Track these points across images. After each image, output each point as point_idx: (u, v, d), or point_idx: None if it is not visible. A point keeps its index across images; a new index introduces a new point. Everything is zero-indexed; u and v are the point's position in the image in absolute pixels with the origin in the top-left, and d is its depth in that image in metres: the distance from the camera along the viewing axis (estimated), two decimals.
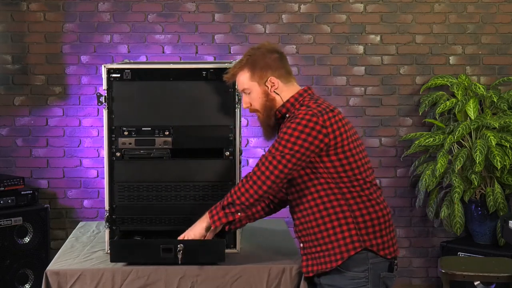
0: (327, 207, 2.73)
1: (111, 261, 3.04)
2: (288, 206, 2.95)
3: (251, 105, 2.84)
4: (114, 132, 3.20)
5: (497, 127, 4.60)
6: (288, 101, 2.80)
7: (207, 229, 2.87)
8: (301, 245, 2.87)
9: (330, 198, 2.73)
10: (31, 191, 4.60)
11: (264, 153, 2.79)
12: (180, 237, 2.92)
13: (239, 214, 2.79)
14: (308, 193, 2.76)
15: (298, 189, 2.79)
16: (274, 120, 2.82)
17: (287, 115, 2.79)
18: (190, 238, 2.90)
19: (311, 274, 2.83)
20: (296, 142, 2.66)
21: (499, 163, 4.46)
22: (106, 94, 3.17)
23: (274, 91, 2.80)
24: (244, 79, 2.82)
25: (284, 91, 2.82)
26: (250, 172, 2.75)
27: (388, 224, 2.79)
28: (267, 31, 5.00)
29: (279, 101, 2.81)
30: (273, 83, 2.80)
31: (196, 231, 2.90)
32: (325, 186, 2.73)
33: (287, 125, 2.71)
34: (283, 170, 2.68)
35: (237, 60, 2.93)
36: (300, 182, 2.77)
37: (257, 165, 2.73)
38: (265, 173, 2.69)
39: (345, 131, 2.72)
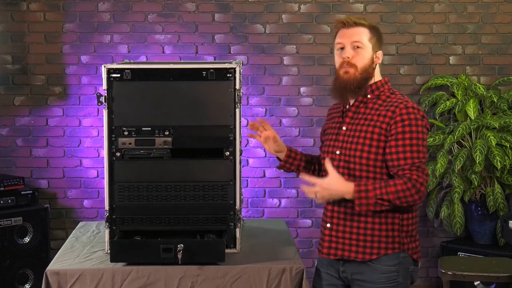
0: None
1: (111, 261, 3.04)
2: None
3: (351, 59, 2.77)
4: (114, 132, 3.20)
5: (497, 127, 4.60)
6: (375, 83, 2.83)
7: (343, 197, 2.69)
8: (328, 225, 2.81)
9: None
10: (31, 191, 4.60)
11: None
12: (315, 181, 2.70)
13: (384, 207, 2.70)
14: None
15: (377, 176, 2.75)
16: (362, 86, 2.79)
17: (368, 96, 2.80)
18: (326, 192, 2.66)
19: (332, 257, 2.81)
20: (424, 139, 2.73)
21: (499, 163, 4.46)
22: (106, 94, 3.17)
23: (376, 65, 2.84)
24: (363, 34, 2.79)
25: (377, 71, 2.85)
26: (411, 177, 2.66)
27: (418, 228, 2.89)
28: (267, 31, 5.00)
29: (373, 75, 2.83)
30: (378, 57, 2.83)
31: (336, 194, 2.68)
32: None
33: (405, 123, 2.68)
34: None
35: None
36: (382, 171, 2.75)
37: (413, 166, 2.67)
38: (425, 179, 2.68)
39: None
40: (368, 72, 2.79)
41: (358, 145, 2.75)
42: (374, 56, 2.81)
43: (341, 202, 2.77)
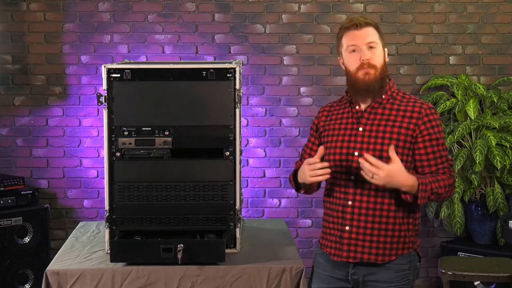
0: (407, 203, 2.74)
1: (111, 261, 3.04)
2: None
3: (370, 60, 2.73)
4: (114, 132, 3.20)
5: (497, 127, 4.60)
6: (388, 83, 2.81)
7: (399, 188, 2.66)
8: (347, 228, 2.75)
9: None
10: (31, 191, 4.60)
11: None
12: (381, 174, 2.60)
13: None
14: None
15: None
16: (382, 86, 2.76)
17: (383, 96, 2.78)
18: (388, 178, 2.60)
19: (351, 260, 2.76)
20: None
21: (499, 163, 4.46)
22: (106, 94, 3.18)
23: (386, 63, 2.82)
24: (374, 34, 2.75)
25: None
26: (450, 173, 2.76)
27: None
28: (267, 31, 5.00)
29: (387, 74, 2.81)
30: (386, 56, 2.81)
31: (396, 184, 2.62)
32: None
33: (433, 124, 2.74)
34: None
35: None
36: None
37: (448, 164, 2.77)
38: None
39: None
40: (384, 71, 2.77)
41: (384, 145, 2.71)
42: (384, 55, 2.80)
43: (361, 203, 2.73)
